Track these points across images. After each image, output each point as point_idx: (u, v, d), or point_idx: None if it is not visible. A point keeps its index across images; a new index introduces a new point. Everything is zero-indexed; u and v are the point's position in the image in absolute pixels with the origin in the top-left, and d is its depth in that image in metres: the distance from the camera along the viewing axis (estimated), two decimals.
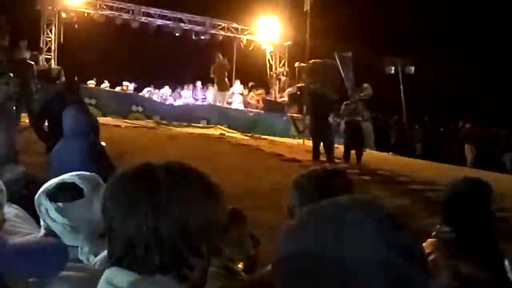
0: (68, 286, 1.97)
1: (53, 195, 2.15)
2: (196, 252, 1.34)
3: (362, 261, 0.89)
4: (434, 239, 2.48)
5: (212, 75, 21.27)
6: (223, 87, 21.37)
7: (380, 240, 0.91)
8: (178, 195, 1.33)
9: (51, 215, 2.11)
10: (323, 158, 14.24)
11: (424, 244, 2.36)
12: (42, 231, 2.24)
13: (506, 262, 2.50)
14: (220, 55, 21.27)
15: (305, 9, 18.54)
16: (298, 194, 2.33)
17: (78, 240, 2.12)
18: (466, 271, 1.51)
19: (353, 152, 14.73)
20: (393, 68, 22.54)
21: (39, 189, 3.04)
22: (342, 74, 21.10)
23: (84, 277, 1.95)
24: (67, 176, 2.20)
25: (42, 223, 2.23)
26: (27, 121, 13.95)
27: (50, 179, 5.15)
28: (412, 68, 22.55)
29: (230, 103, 22.15)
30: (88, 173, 2.26)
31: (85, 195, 2.12)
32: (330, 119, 14.43)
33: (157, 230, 1.29)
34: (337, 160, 14.52)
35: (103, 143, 5.92)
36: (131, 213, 1.30)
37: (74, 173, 2.22)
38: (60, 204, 2.11)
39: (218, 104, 21.24)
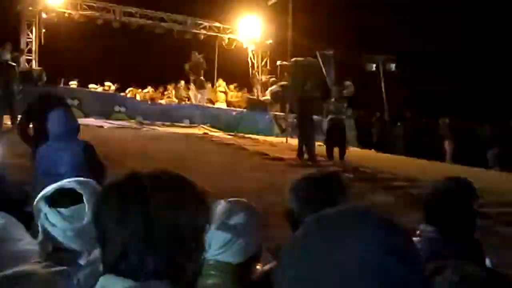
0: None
1: (52, 200, 2.19)
2: (188, 256, 1.39)
3: (361, 267, 0.94)
4: (417, 238, 2.53)
5: (187, 73, 21.35)
6: (200, 85, 21.43)
7: (376, 246, 0.96)
8: (167, 201, 1.36)
9: (51, 220, 2.15)
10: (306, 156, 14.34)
11: None
12: (40, 236, 2.28)
13: (488, 261, 2.57)
14: (196, 53, 21.30)
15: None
16: (295, 197, 2.41)
17: (77, 244, 2.17)
18: (469, 268, 1.58)
19: (336, 150, 14.82)
20: (374, 65, 22.72)
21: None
22: (324, 72, 21.26)
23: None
24: (65, 182, 2.24)
25: (40, 228, 2.27)
26: (9, 122, 13.90)
27: (36, 180, 5.18)
28: (393, 65, 22.74)
29: (213, 103, 22.24)
30: (86, 179, 2.31)
31: (84, 200, 2.17)
32: (314, 117, 14.49)
33: (149, 237, 1.33)
34: (320, 158, 14.62)
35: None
36: (123, 221, 1.34)
37: (72, 179, 2.26)
38: (60, 209, 2.16)
39: (197, 103, 21.30)
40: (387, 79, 22.71)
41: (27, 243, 2.39)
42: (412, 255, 1.00)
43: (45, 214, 2.18)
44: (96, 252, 2.05)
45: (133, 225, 1.33)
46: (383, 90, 22.61)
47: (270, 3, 21.34)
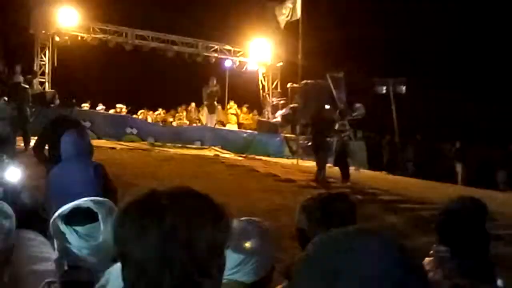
0: None
1: (69, 219, 2.24)
2: (206, 273, 1.38)
3: (369, 277, 1.01)
4: (431, 258, 2.53)
5: (203, 97, 21.66)
6: (212, 110, 21.66)
7: (384, 257, 1.04)
8: (183, 219, 1.36)
9: (68, 238, 2.20)
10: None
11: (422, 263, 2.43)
12: (57, 254, 2.33)
13: (499, 282, 2.55)
14: (214, 80, 21.52)
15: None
16: (305, 217, 2.45)
17: (93, 262, 2.21)
18: (464, 283, 1.63)
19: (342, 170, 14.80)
20: (384, 87, 22.76)
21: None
22: (334, 94, 21.31)
23: None
24: (81, 201, 2.29)
25: (56, 246, 2.31)
26: (22, 144, 14.00)
27: (50, 201, 5.23)
28: (403, 88, 22.76)
29: (224, 124, 22.35)
30: (101, 198, 2.36)
31: (100, 219, 2.21)
32: (328, 139, 14.52)
33: (165, 255, 1.34)
34: (330, 180, 14.61)
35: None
36: (140, 239, 1.36)
37: (88, 198, 2.31)
38: (76, 227, 2.20)
39: (209, 125, 21.44)
40: (397, 101, 22.72)
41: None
42: (416, 264, 1.10)
43: (62, 232, 2.23)
44: (108, 273, 2.07)
45: (150, 243, 1.34)
46: (394, 112, 22.61)
47: (283, 25, 21.49)
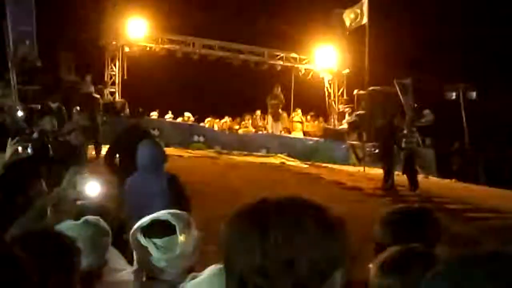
0: None
1: (147, 231, 2.29)
2: None
3: None
4: None
5: (268, 105, 21.87)
6: (277, 118, 21.78)
7: None
8: (288, 234, 1.28)
9: (147, 250, 2.26)
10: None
11: None
12: (135, 265, 2.39)
13: None
14: (279, 88, 21.68)
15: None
16: (388, 231, 2.36)
17: (170, 274, 2.26)
18: None
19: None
20: (454, 93, 22.25)
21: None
22: (402, 101, 20.98)
23: None
24: (160, 214, 2.34)
25: (135, 257, 2.37)
26: (93, 152, 14.41)
27: (126, 210, 5.34)
28: (474, 94, 22.20)
29: (289, 132, 22.40)
30: (179, 211, 2.40)
31: (178, 231, 2.26)
32: (396, 146, 14.31)
33: (264, 269, 1.27)
34: (398, 188, 14.41)
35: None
36: (243, 253, 1.30)
37: (166, 211, 2.37)
38: (155, 240, 2.25)
39: (274, 133, 21.55)
40: (468, 107, 22.18)
41: (128, 273, 2.50)
42: None
43: (141, 244, 2.28)
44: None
45: (252, 257, 1.28)
46: (464, 118, 22.07)
47: (350, 30, 21.45)
